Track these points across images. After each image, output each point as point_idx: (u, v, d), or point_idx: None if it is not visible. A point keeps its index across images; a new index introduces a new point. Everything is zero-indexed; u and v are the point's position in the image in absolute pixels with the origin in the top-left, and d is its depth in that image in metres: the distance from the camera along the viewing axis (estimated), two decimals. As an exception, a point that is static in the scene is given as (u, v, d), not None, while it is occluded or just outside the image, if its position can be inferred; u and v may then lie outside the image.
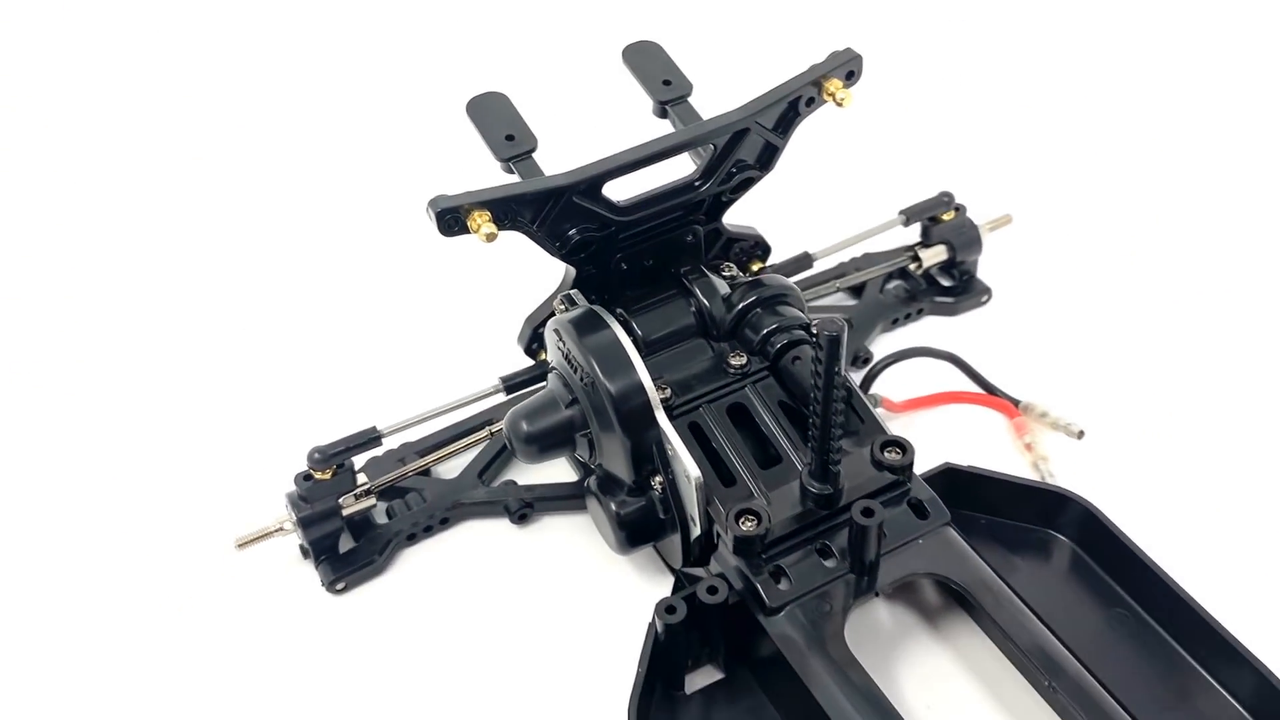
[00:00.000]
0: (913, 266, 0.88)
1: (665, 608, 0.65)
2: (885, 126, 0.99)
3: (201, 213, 1.00)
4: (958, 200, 0.88)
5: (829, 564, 0.65)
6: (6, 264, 0.97)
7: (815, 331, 0.59)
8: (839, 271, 0.89)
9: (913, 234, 0.89)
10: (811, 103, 0.72)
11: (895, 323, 0.88)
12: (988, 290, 0.89)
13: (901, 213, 0.87)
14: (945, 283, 0.90)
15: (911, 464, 0.68)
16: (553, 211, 0.69)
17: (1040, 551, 0.71)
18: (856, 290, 0.89)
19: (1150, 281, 0.89)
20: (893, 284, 0.89)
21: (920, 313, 0.89)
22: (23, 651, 0.73)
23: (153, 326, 0.91)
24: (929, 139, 1.01)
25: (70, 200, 1.03)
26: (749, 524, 0.65)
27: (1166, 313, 0.87)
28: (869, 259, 0.90)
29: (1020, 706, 0.64)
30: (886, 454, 0.68)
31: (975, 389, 0.82)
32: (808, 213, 0.90)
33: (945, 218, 0.88)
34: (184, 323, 0.91)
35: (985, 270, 0.90)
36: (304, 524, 0.74)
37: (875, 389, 0.82)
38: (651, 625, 0.65)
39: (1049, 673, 0.61)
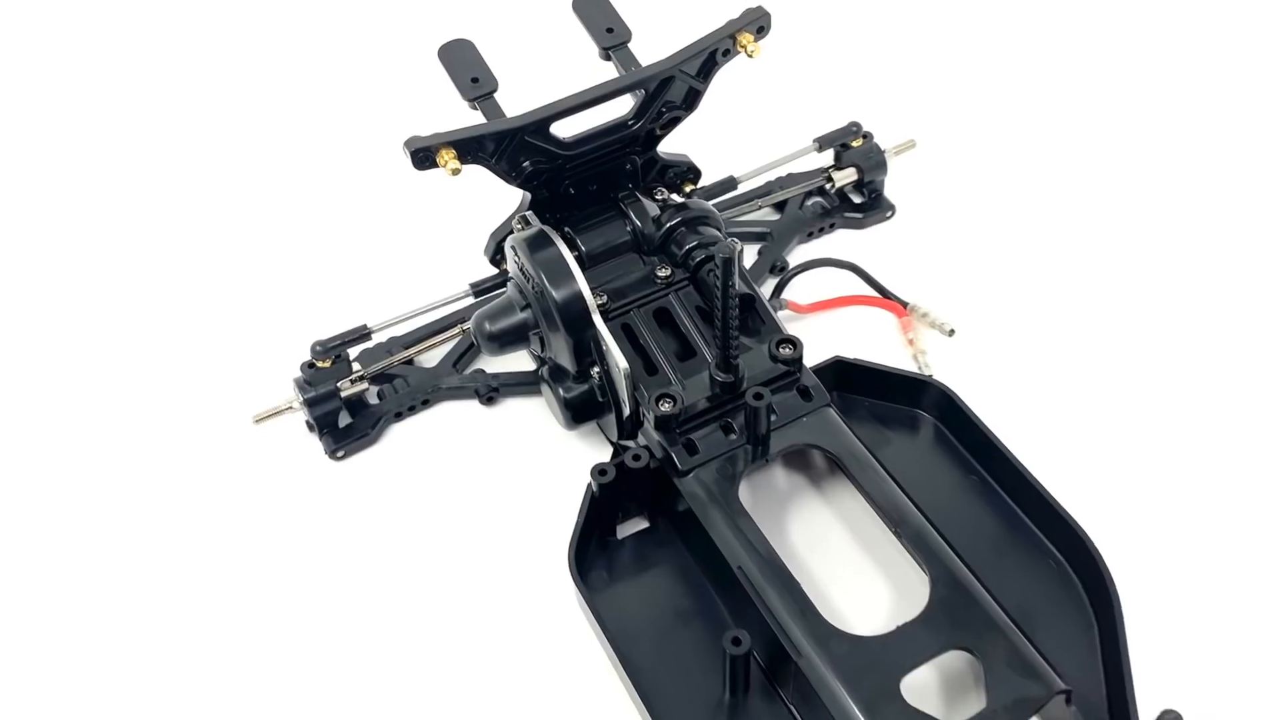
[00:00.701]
0: (827, 186, 1.02)
1: (598, 471, 0.80)
2: (802, 64, 1.11)
3: (217, 151, 1.13)
4: (866, 129, 1.02)
5: (730, 437, 0.81)
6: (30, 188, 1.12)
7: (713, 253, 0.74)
8: (765, 190, 1.02)
9: (828, 158, 1.02)
10: (727, 53, 0.85)
11: (811, 235, 1.02)
12: (892, 207, 1.03)
13: (815, 140, 1.01)
14: (856, 200, 1.03)
15: (800, 358, 0.82)
16: (508, 148, 0.82)
17: (910, 429, 0.86)
18: (779, 206, 1.03)
19: (1026, 201, 1.02)
20: (810, 201, 1.02)
21: (833, 226, 1.02)
22: (63, 512, 0.88)
23: (184, 251, 1.05)
24: (842, 74, 1.13)
25: (88, 125, 1.16)
26: (667, 405, 0.80)
27: (1036, 229, 1.00)
28: (792, 178, 1.03)
29: (878, 548, 0.81)
30: (780, 350, 0.83)
31: (871, 292, 0.97)
32: (734, 141, 1.03)
33: (854, 144, 1.01)
34: (212, 248, 1.05)
35: (891, 189, 1.03)
36: (309, 404, 0.89)
37: (786, 294, 0.96)
38: (589, 485, 0.81)
39: (895, 521, 0.77)
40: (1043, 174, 1.04)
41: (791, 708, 0.74)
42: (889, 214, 1.03)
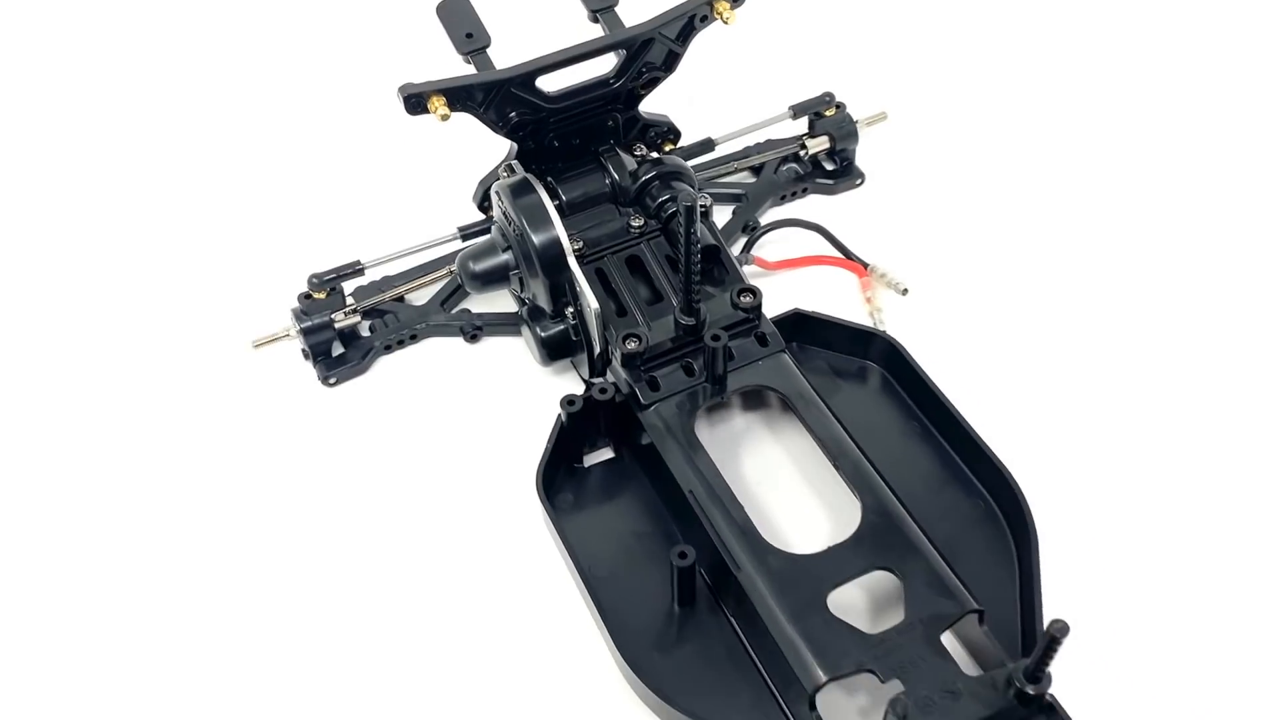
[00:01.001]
0: (801, 153, 1.08)
1: (567, 401, 0.87)
2: (782, 36, 1.18)
3: (235, 94, 1.20)
4: (839, 100, 1.08)
5: (690, 377, 0.88)
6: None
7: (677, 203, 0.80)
8: (743, 154, 1.09)
9: (803, 126, 1.08)
10: (705, 19, 0.91)
11: (784, 198, 1.08)
12: (862, 175, 1.09)
13: (790, 108, 1.07)
14: (828, 167, 1.09)
15: (759, 306, 0.89)
16: (495, 99, 0.88)
17: (860, 377, 0.93)
18: (756, 170, 1.09)
19: (986, 176, 1.08)
20: (785, 166, 1.08)
21: (805, 191, 1.08)
22: (76, 428, 0.96)
23: (195, 186, 1.13)
24: (819, 48, 1.19)
25: (102, 60, 1.23)
26: (633, 344, 0.87)
27: (993, 203, 1.06)
28: (769, 144, 1.09)
29: (820, 480, 0.87)
30: (741, 298, 0.89)
31: (835, 253, 1.03)
32: (715, 106, 1.09)
33: (828, 113, 1.07)
34: (222, 185, 1.12)
35: (862, 158, 1.09)
36: (305, 332, 0.96)
37: (756, 251, 1.03)
38: (559, 415, 0.88)
39: (835, 455, 0.83)
40: (1005, 151, 1.10)
41: (731, 619, 0.80)
42: (858, 181, 1.09)
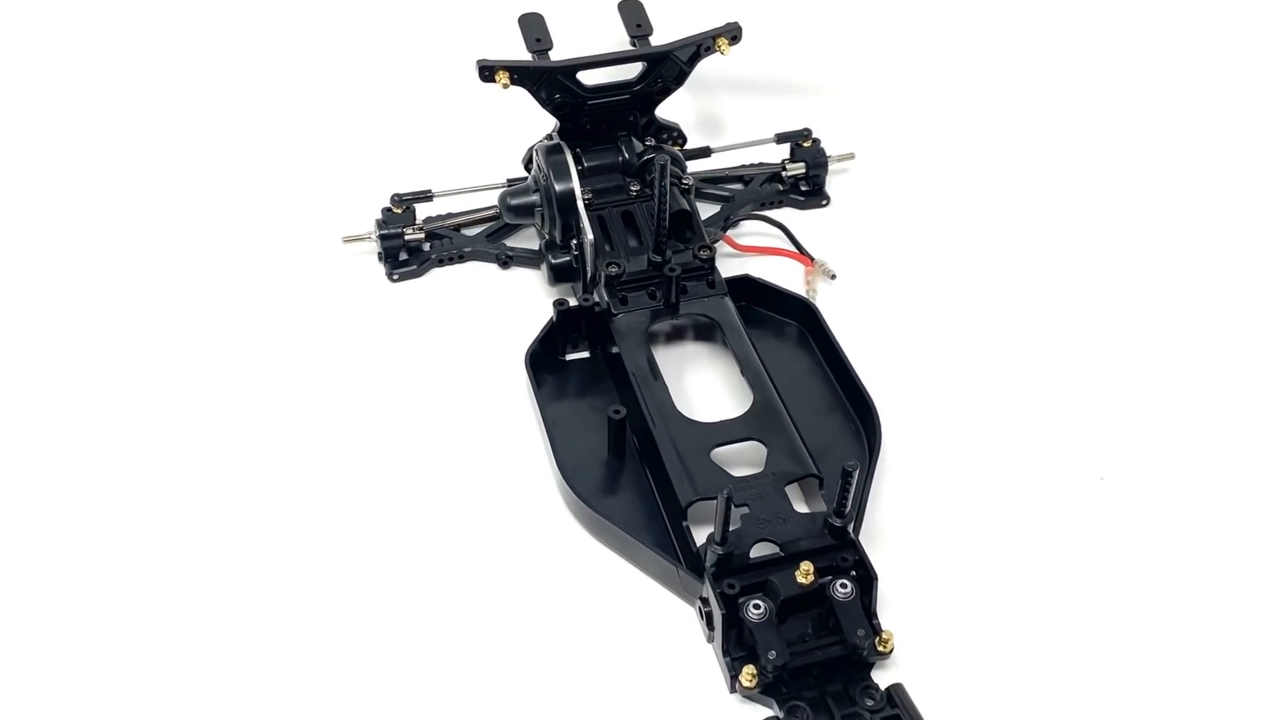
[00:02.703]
0: (783, 173, 1.39)
1: (558, 303, 1.17)
2: (778, 80, 1.50)
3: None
4: (816, 135, 1.38)
5: (652, 300, 1.17)
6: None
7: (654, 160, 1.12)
8: (737, 168, 1.39)
9: (785, 151, 1.39)
10: (709, 50, 1.23)
11: (763, 206, 1.37)
12: (828, 197, 1.38)
13: (775, 135, 1.38)
14: (803, 187, 1.39)
15: (713, 260, 1.18)
16: (545, 82, 1.21)
17: (785, 331, 1.21)
18: (746, 181, 1.39)
19: (923, 216, 1.36)
20: (769, 183, 1.38)
21: (780, 203, 1.37)
22: (191, 300, 1.29)
23: (325, 116, 1.49)
24: (808, 93, 1.50)
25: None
26: (613, 269, 1.17)
27: (922, 233, 1.34)
28: (760, 165, 1.40)
29: (730, 383, 1.15)
30: (700, 253, 1.19)
31: (790, 247, 1.33)
32: (719, 127, 1.41)
33: (805, 144, 1.38)
34: (346, 126, 1.48)
35: (831, 185, 1.39)
36: (382, 238, 1.28)
37: (731, 233, 1.33)
38: (551, 317, 1.18)
39: (743, 365, 1.12)
40: (936, 203, 1.37)
41: (645, 468, 1.09)
42: (824, 203, 1.38)
